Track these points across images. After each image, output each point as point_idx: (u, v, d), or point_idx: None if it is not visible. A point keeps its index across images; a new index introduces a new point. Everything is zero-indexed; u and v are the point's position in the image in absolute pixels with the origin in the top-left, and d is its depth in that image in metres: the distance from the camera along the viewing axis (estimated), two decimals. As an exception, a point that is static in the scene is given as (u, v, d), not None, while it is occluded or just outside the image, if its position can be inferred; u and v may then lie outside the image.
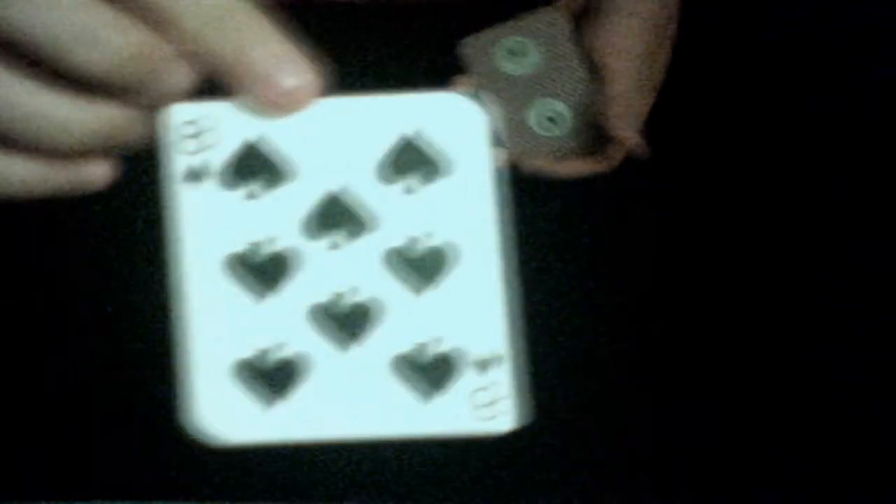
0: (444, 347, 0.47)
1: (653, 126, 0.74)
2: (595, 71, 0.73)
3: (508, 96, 0.76)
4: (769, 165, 0.79)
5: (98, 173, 0.47)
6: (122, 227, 0.77)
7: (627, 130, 0.69)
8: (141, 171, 0.49)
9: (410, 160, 0.47)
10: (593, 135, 0.76)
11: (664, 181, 0.77)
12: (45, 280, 0.80)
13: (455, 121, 0.47)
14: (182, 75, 0.45)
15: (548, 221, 0.76)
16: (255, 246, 0.47)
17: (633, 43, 0.69)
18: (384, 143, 0.47)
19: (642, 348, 0.79)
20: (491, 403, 0.47)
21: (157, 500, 0.73)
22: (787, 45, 0.79)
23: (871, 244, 0.78)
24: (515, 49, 0.76)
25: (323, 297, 0.47)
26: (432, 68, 0.75)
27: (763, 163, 0.79)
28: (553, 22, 0.77)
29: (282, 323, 0.47)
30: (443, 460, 0.76)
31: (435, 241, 0.47)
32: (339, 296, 0.47)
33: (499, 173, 0.47)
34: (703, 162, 0.79)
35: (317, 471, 0.76)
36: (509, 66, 0.77)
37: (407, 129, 0.47)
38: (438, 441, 0.73)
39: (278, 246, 0.47)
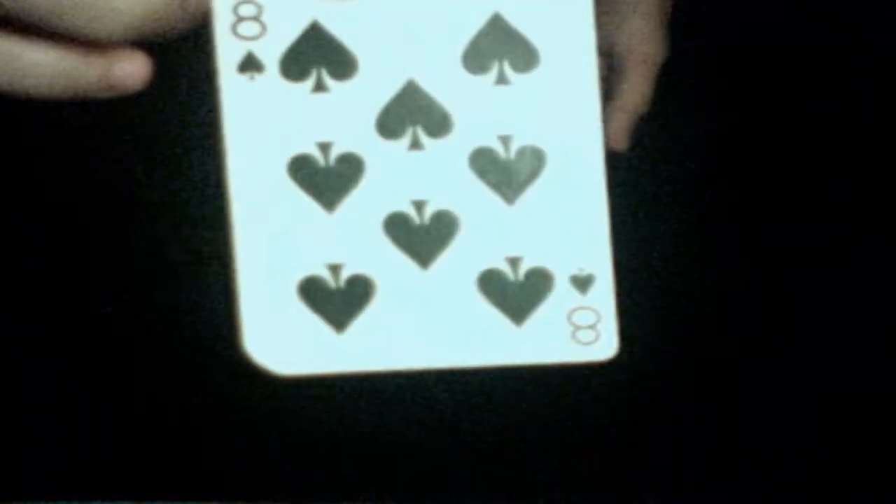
0: (538, 262, 0.42)
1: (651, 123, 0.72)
2: (608, 60, 0.69)
3: None
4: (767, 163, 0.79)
5: (133, 71, 0.41)
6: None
7: (625, 142, 0.65)
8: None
9: (502, 45, 0.41)
10: None
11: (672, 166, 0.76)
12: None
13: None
14: None
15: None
16: (322, 147, 0.41)
17: (652, 45, 0.66)
18: (472, 25, 0.41)
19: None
20: (591, 326, 0.41)
21: (158, 500, 0.71)
22: (783, 43, 0.79)
23: (870, 244, 0.77)
24: None
25: (400, 205, 0.42)
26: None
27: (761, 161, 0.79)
28: None
29: (354, 235, 0.42)
30: (447, 458, 0.75)
31: (529, 141, 0.41)
32: (419, 204, 0.42)
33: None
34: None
35: (317, 471, 0.75)
36: None
37: (499, 7, 0.41)
38: (441, 437, 0.70)
39: (349, 147, 0.41)
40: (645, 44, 0.67)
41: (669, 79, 0.71)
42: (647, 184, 0.76)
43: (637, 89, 0.66)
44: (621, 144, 0.67)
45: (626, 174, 0.71)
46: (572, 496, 0.73)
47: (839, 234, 0.78)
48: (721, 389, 0.77)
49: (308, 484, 0.75)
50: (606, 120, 0.70)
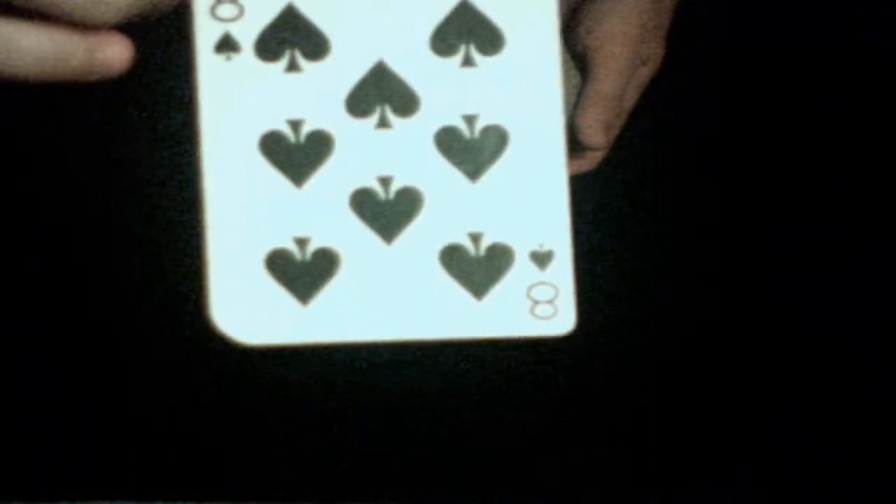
0: (498, 238, 0.44)
1: (648, 123, 0.73)
2: (582, 63, 0.71)
3: None
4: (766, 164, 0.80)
5: (117, 54, 0.44)
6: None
7: (598, 135, 0.67)
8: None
9: (469, 28, 0.44)
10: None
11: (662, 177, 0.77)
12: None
13: None
14: None
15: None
16: (293, 124, 0.44)
17: (623, 47, 0.68)
18: (440, 9, 0.44)
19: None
20: (550, 301, 0.44)
21: (158, 500, 0.72)
22: (783, 43, 0.80)
23: (869, 244, 0.78)
24: None
25: (367, 181, 0.44)
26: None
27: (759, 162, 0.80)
28: None
29: (321, 210, 0.44)
30: (446, 457, 0.76)
31: (493, 121, 0.44)
32: (385, 180, 0.44)
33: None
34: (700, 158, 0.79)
35: (316, 471, 0.75)
36: None
37: None
38: (441, 437, 0.72)
39: (319, 124, 0.44)
40: (615, 44, 0.68)
41: (668, 77, 0.73)
42: (609, 164, 0.77)
43: (598, 86, 0.67)
44: (588, 140, 0.68)
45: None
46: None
47: (837, 232, 0.80)
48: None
49: (307, 484, 0.76)
50: (575, 117, 0.71)
